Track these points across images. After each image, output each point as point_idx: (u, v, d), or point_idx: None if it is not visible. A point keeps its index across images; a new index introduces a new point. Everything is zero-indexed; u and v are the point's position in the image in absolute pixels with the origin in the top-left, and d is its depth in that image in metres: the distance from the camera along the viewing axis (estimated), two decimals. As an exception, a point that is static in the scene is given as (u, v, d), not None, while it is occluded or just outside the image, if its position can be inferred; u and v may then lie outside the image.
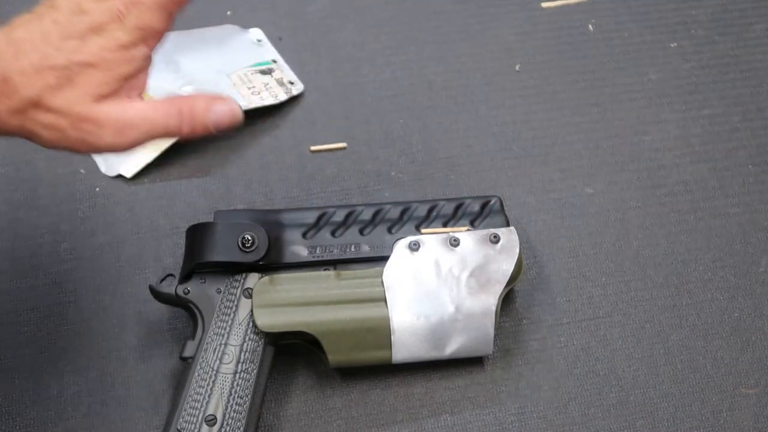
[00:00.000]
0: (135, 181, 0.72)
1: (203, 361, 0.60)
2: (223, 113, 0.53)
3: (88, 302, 0.67)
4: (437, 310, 0.62)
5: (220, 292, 0.62)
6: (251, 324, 0.61)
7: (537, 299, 0.68)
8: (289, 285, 0.62)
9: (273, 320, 0.61)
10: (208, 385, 0.59)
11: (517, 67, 0.79)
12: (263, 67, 0.78)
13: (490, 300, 0.62)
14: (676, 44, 0.81)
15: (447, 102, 0.77)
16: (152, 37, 0.52)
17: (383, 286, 0.62)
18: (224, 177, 0.73)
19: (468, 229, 0.65)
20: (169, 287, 0.62)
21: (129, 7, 0.50)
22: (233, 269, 0.63)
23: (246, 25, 0.81)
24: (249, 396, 0.60)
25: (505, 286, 0.63)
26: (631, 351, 0.66)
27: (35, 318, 0.66)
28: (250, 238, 0.62)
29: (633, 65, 0.80)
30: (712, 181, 0.73)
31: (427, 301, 0.62)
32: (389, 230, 0.65)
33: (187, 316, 0.65)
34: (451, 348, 0.63)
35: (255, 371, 0.60)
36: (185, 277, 0.62)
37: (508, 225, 0.66)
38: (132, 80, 0.52)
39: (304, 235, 0.64)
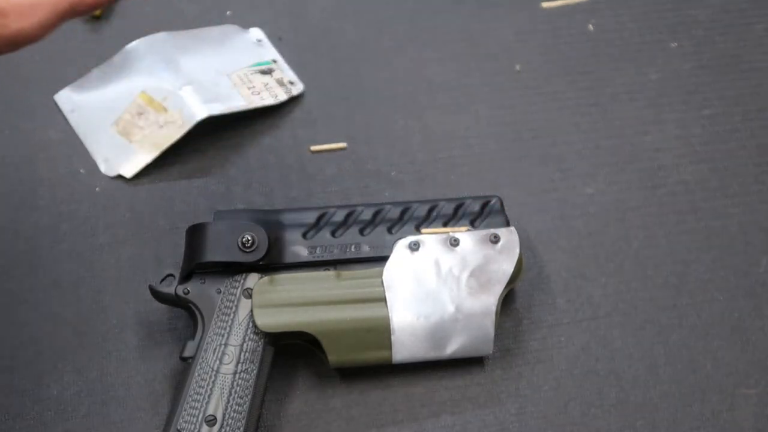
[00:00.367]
0: (135, 181, 0.72)
1: (203, 361, 0.60)
2: None
3: (88, 302, 0.67)
4: (437, 310, 0.62)
5: (220, 292, 0.62)
6: (251, 324, 0.61)
7: (537, 299, 0.68)
8: (289, 285, 0.62)
9: (273, 320, 0.61)
10: (208, 385, 0.59)
11: (517, 67, 0.79)
12: (263, 67, 0.78)
13: (490, 300, 0.62)
14: (676, 44, 0.81)
15: (447, 102, 0.77)
16: None
17: (383, 286, 0.62)
18: (224, 177, 0.73)
19: (468, 229, 0.65)
20: (169, 287, 0.62)
21: None
22: (233, 269, 0.63)
23: (246, 25, 0.81)
24: (249, 396, 0.60)
25: (505, 287, 0.63)
26: (631, 351, 0.66)
27: (35, 318, 0.66)
28: (250, 238, 0.62)
29: (633, 65, 0.80)
30: (712, 182, 0.73)
31: (428, 301, 0.62)
32: (389, 230, 0.65)
33: (187, 317, 0.65)
34: (451, 348, 0.63)
35: (255, 371, 0.60)
36: (185, 278, 0.62)
37: (508, 225, 0.66)
38: None
39: (304, 235, 0.64)
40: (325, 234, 0.64)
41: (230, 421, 0.59)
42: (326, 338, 0.61)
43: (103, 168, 0.73)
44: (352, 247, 0.64)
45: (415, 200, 0.68)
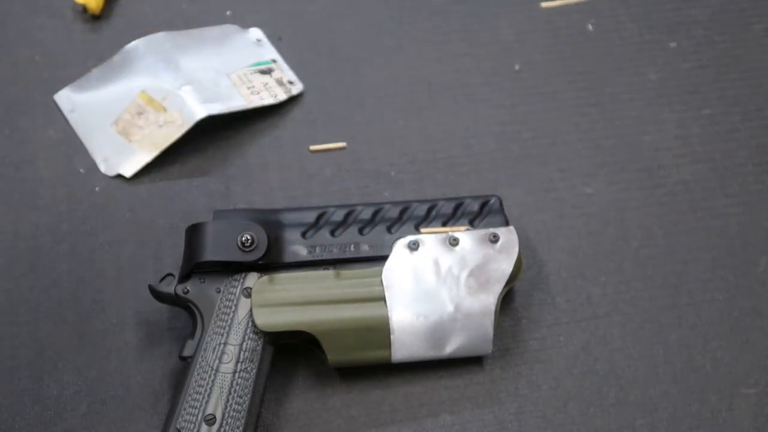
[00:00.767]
0: (135, 181, 0.72)
1: (202, 360, 0.60)
2: None
3: (88, 302, 0.67)
4: (436, 309, 0.62)
5: (220, 291, 0.62)
6: (250, 323, 0.61)
7: (536, 299, 0.68)
8: (288, 284, 0.62)
9: (272, 320, 0.61)
10: (207, 384, 0.59)
11: (516, 67, 0.79)
12: (263, 67, 0.78)
13: (490, 299, 0.63)
14: (675, 44, 0.81)
15: (447, 102, 0.77)
16: None
17: (383, 286, 0.62)
18: (224, 177, 0.73)
19: (467, 229, 0.65)
20: (169, 287, 0.62)
21: None
22: (232, 269, 0.63)
23: (246, 25, 0.81)
24: (248, 395, 0.60)
25: (505, 286, 0.63)
26: (630, 350, 0.66)
27: (35, 318, 0.66)
28: (249, 237, 0.62)
29: (632, 65, 0.80)
30: (711, 181, 0.73)
31: (427, 301, 0.62)
32: (389, 230, 0.65)
33: (187, 316, 0.65)
34: (451, 347, 0.63)
35: (254, 371, 0.60)
36: (185, 277, 0.62)
37: (507, 224, 0.66)
38: None
39: (303, 234, 0.64)
40: (325, 233, 0.64)
41: (229, 420, 0.59)
42: (326, 337, 0.61)
43: (103, 168, 0.73)
44: (352, 246, 0.64)
45: (414, 200, 0.68)
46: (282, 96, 0.76)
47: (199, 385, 0.59)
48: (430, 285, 0.63)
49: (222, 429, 0.58)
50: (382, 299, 0.62)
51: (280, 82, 0.77)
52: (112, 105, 0.75)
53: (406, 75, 0.79)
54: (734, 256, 0.70)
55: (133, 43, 0.78)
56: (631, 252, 0.70)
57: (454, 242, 0.64)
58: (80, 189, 0.72)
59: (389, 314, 0.62)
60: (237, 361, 0.60)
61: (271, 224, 0.64)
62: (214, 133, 0.75)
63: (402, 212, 0.66)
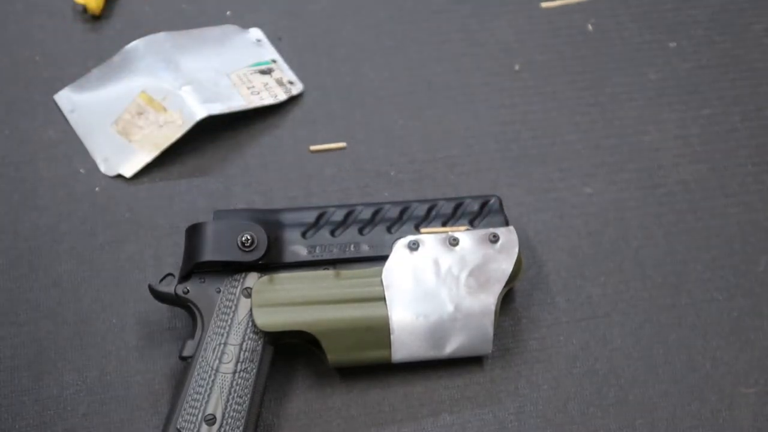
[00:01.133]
0: (135, 181, 0.72)
1: (203, 360, 0.60)
2: None
3: (88, 302, 0.67)
4: (436, 309, 0.62)
5: (220, 291, 0.62)
6: (250, 323, 0.61)
7: (536, 298, 0.68)
8: (288, 284, 0.62)
9: (272, 320, 0.61)
10: (207, 384, 0.59)
11: (516, 67, 0.80)
12: (263, 67, 0.78)
13: (490, 299, 0.63)
14: (675, 44, 0.81)
15: (446, 102, 0.77)
16: None
17: (382, 286, 0.62)
18: (224, 177, 0.73)
19: (467, 229, 0.65)
20: (169, 287, 0.62)
21: None
22: (233, 269, 0.63)
23: (246, 25, 0.81)
24: (248, 395, 0.60)
25: (505, 286, 0.63)
26: (630, 350, 0.66)
27: (35, 318, 0.66)
28: (249, 237, 0.62)
29: (632, 65, 0.80)
30: (711, 181, 0.74)
31: (427, 301, 0.62)
32: (388, 230, 0.65)
33: (187, 316, 0.65)
34: (451, 347, 0.63)
35: (254, 370, 0.60)
36: (185, 277, 0.62)
37: (507, 224, 0.66)
38: None
39: (303, 234, 0.64)
40: (325, 233, 0.64)
41: (230, 420, 0.59)
42: (325, 337, 0.61)
43: (103, 168, 0.73)
44: (352, 246, 0.64)
45: (414, 200, 0.69)
46: (282, 96, 0.76)
47: (199, 385, 0.59)
48: (430, 285, 0.63)
49: (222, 429, 0.58)
50: (382, 299, 0.62)
51: (280, 82, 0.77)
52: (112, 105, 0.75)
53: (406, 75, 0.79)
54: (734, 255, 0.70)
55: (133, 43, 0.78)
56: (630, 252, 0.70)
57: (454, 242, 0.64)
58: (80, 189, 0.72)
59: (389, 314, 0.62)
60: (237, 361, 0.60)
61: (271, 224, 0.64)
62: (214, 133, 0.75)
63: (402, 212, 0.66)
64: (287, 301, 0.62)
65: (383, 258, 0.64)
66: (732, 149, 0.75)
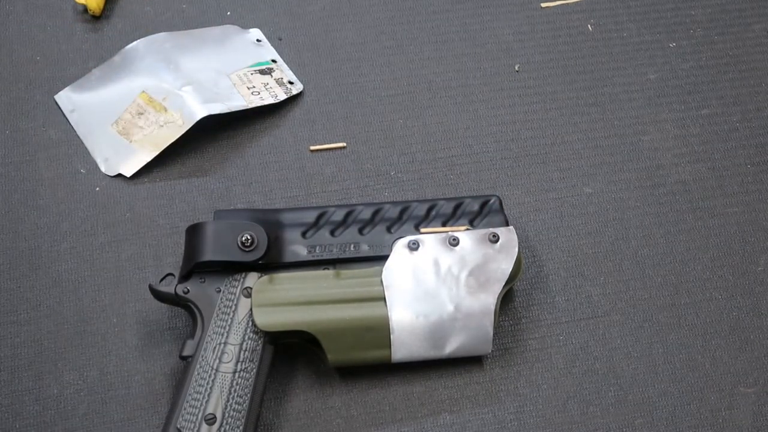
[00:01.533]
0: (135, 181, 0.72)
1: (203, 360, 0.60)
2: None
3: (88, 302, 0.67)
4: (436, 309, 0.62)
5: (220, 291, 0.62)
6: (250, 323, 0.61)
7: (536, 298, 0.68)
8: (288, 284, 0.62)
9: (272, 319, 0.61)
10: (207, 384, 0.59)
11: (516, 67, 0.80)
12: (263, 67, 0.78)
13: (489, 299, 0.63)
14: (674, 44, 0.81)
15: (446, 102, 0.77)
16: None
17: (382, 286, 0.63)
18: (224, 177, 0.73)
19: (467, 229, 0.65)
20: (169, 286, 0.62)
21: None
22: (233, 268, 0.63)
23: (246, 25, 0.81)
24: (248, 395, 0.60)
25: (504, 286, 0.63)
26: (629, 350, 0.66)
27: (35, 317, 0.66)
28: (249, 237, 0.62)
29: (632, 65, 0.80)
30: (710, 181, 0.74)
31: (427, 301, 0.62)
32: (388, 229, 0.65)
33: (187, 316, 0.65)
34: (451, 347, 0.63)
35: (254, 370, 0.60)
36: (185, 277, 0.62)
37: (507, 224, 0.66)
38: None
39: (303, 234, 0.64)
40: (325, 233, 0.64)
41: (230, 419, 0.59)
42: (325, 337, 0.61)
43: (103, 167, 0.73)
44: (352, 246, 0.64)
45: (414, 199, 0.69)
46: (282, 96, 0.76)
47: (200, 385, 0.59)
48: (430, 285, 0.63)
49: (222, 428, 0.58)
50: (382, 299, 0.62)
51: (280, 82, 0.77)
52: (113, 105, 0.75)
53: (406, 75, 0.79)
54: (733, 255, 0.70)
55: (134, 43, 0.78)
56: (630, 251, 0.70)
57: (454, 242, 0.64)
58: (80, 189, 0.72)
59: (389, 314, 0.62)
60: (237, 361, 0.60)
61: (271, 224, 0.64)
62: (214, 133, 0.75)
63: (402, 212, 0.66)
64: (287, 301, 0.62)
65: (383, 258, 0.64)
66: (731, 149, 0.75)
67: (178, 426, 0.58)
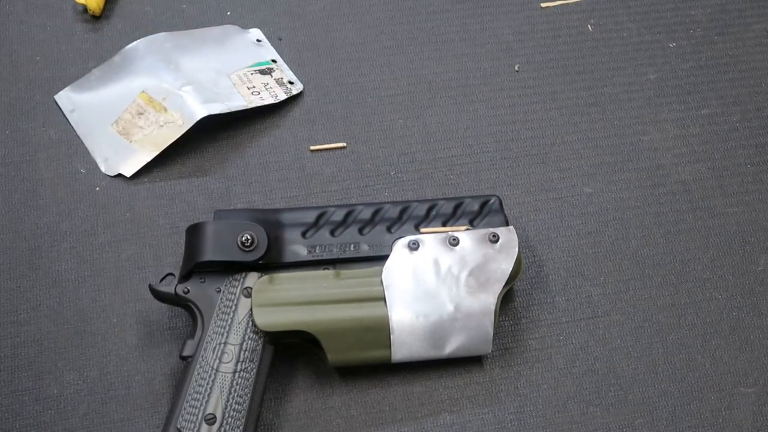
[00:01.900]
0: (135, 181, 0.72)
1: (203, 360, 0.60)
2: None
3: (88, 302, 0.67)
4: (436, 309, 0.62)
5: (220, 291, 0.62)
6: (251, 323, 0.61)
7: (536, 298, 0.68)
8: (288, 284, 0.62)
9: (272, 319, 0.61)
10: (207, 384, 0.59)
11: (516, 67, 0.80)
12: (263, 67, 0.78)
13: (489, 299, 0.63)
14: (674, 44, 0.81)
15: (446, 102, 0.77)
16: None
17: (382, 286, 0.63)
18: (224, 177, 0.73)
19: (467, 229, 0.65)
20: (169, 286, 0.62)
21: None
22: (233, 268, 0.63)
23: (246, 25, 0.81)
24: (248, 395, 0.60)
25: (504, 286, 0.63)
26: (629, 350, 0.66)
27: (35, 317, 0.66)
28: (249, 237, 0.62)
29: (632, 65, 0.80)
30: (710, 181, 0.74)
31: (427, 301, 0.62)
32: (388, 229, 0.65)
33: (187, 316, 0.65)
34: (451, 347, 0.63)
35: (254, 370, 0.60)
36: (185, 277, 0.62)
37: (507, 224, 0.66)
38: None
39: (303, 234, 0.64)
40: (325, 233, 0.64)
41: (230, 419, 0.59)
42: (326, 337, 0.61)
43: (103, 167, 0.73)
44: (352, 246, 0.64)
45: (414, 199, 0.69)
46: (282, 96, 0.76)
47: (200, 385, 0.59)
48: (430, 285, 0.63)
49: (222, 428, 0.58)
50: (382, 299, 0.62)
51: (280, 82, 0.77)
52: (113, 105, 0.75)
53: (406, 75, 0.79)
54: (733, 255, 0.70)
55: (134, 43, 0.78)
56: (630, 251, 0.70)
57: (454, 242, 0.64)
58: (80, 189, 0.72)
59: (389, 314, 0.62)
60: (237, 361, 0.60)
61: (271, 224, 0.64)
62: (214, 133, 0.75)
63: (402, 212, 0.66)
64: (287, 300, 0.62)
65: (383, 258, 0.64)
66: (731, 149, 0.75)
67: (178, 426, 0.58)
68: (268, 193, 0.72)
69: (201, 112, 0.73)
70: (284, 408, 0.63)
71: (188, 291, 0.62)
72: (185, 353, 0.61)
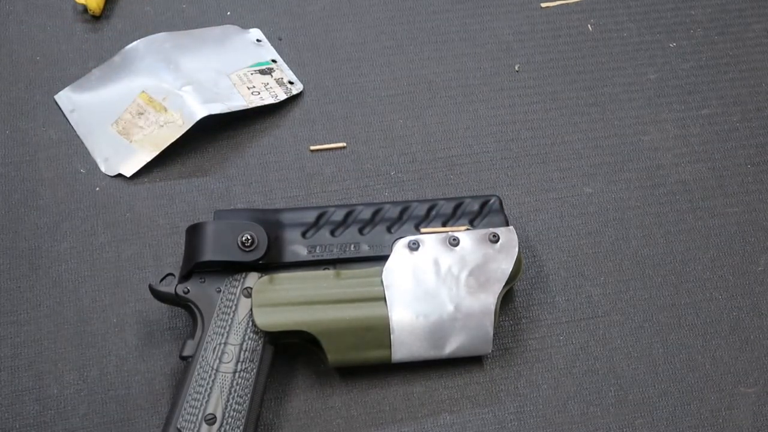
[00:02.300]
0: (135, 181, 0.72)
1: (203, 360, 0.60)
2: None
3: (88, 302, 0.67)
4: (436, 309, 0.62)
5: (220, 291, 0.62)
6: (251, 323, 0.61)
7: (536, 298, 0.68)
8: (288, 284, 0.62)
9: (272, 319, 0.61)
10: (207, 384, 0.59)
11: (516, 67, 0.80)
12: (263, 67, 0.78)
13: (489, 299, 0.63)
14: (674, 44, 0.81)
15: (446, 102, 0.77)
16: None
17: (383, 286, 0.63)
18: (224, 177, 0.73)
19: (467, 229, 0.65)
20: (169, 287, 0.62)
21: None
22: (233, 268, 0.63)
23: (246, 25, 0.81)
24: (248, 395, 0.60)
25: (504, 286, 0.63)
26: (630, 350, 0.66)
27: (35, 317, 0.66)
28: (249, 237, 0.62)
29: (632, 65, 0.80)
30: (710, 181, 0.74)
31: (427, 301, 0.62)
32: (389, 229, 0.65)
33: (187, 316, 0.65)
34: (451, 347, 0.63)
35: (254, 370, 0.60)
36: (185, 277, 0.62)
37: (507, 224, 0.66)
38: None
39: (303, 234, 0.64)
40: (325, 233, 0.64)
41: (230, 419, 0.59)
42: (326, 337, 0.61)
43: (103, 167, 0.73)
44: (352, 246, 0.64)
45: (414, 199, 0.69)
46: (282, 96, 0.76)
47: (200, 385, 0.59)
48: (430, 285, 0.63)
49: (222, 428, 0.58)
50: (382, 299, 0.62)
51: (280, 82, 0.77)
52: (113, 105, 0.75)
53: (406, 75, 0.79)
54: (733, 255, 0.70)
55: (134, 43, 0.78)
56: (630, 251, 0.70)
57: (454, 242, 0.64)
58: (80, 189, 0.72)
59: (389, 314, 0.62)
60: (237, 361, 0.60)
61: (271, 224, 0.64)
62: (214, 133, 0.75)
63: (402, 212, 0.66)
64: (287, 301, 0.62)
65: (383, 258, 0.64)
66: (731, 149, 0.75)
67: (178, 426, 0.58)
68: (268, 193, 0.72)
69: (201, 112, 0.73)
70: (284, 408, 0.63)
71: (188, 291, 0.62)
72: (185, 353, 0.61)
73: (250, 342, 0.61)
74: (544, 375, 0.65)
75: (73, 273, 0.68)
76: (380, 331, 0.62)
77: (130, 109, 0.75)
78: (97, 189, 0.72)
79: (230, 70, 0.77)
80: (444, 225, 0.65)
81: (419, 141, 0.75)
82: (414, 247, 0.64)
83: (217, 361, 0.60)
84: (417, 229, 0.65)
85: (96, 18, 0.81)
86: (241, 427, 0.59)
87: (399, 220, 0.65)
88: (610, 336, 0.67)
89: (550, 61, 0.80)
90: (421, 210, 0.66)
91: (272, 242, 0.63)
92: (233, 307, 0.62)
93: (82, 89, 0.76)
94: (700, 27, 0.82)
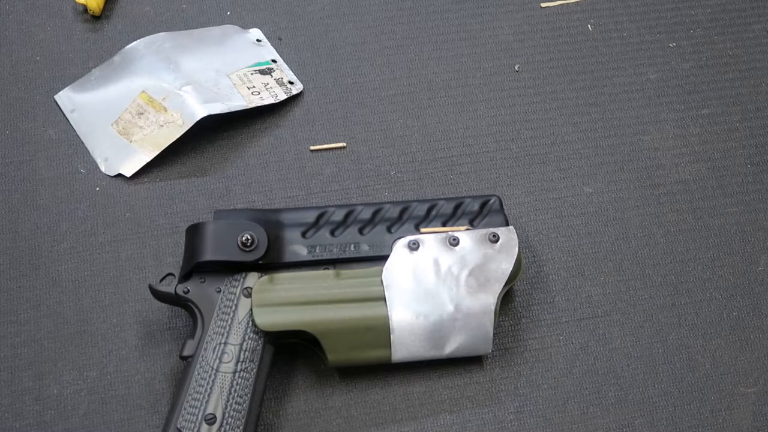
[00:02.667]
0: (135, 181, 0.72)
1: (203, 360, 0.60)
2: None
3: (88, 302, 0.67)
4: (436, 309, 0.62)
5: (220, 291, 0.62)
6: (251, 323, 0.61)
7: (536, 298, 0.68)
8: (288, 284, 0.62)
9: (272, 319, 0.61)
10: (207, 384, 0.59)
11: (516, 67, 0.80)
12: (263, 67, 0.78)
13: (489, 299, 0.63)
14: (674, 44, 0.81)
15: (446, 102, 0.77)
16: None
17: (382, 286, 0.63)
18: (224, 177, 0.73)
19: (467, 229, 0.65)
20: (169, 286, 0.62)
21: None
22: (233, 268, 0.63)
23: (246, 25, 0.81)
24: (248, 395, 0.60)
25: (504, 285, 0.63)
26: (629, 350, 0.66)
27: (35, 317, 0.66)
28: (249, 237, 0.62)
29: (632, 65, 0.80)
30: (710, 181, 0.74)
31: (427, 301, 0.62)
32: (389, 229, 0.65)
33: (187, 316, 0.65)
34: (451, 347, 0.63)
35: (254, 370, 0.60)
36: (185, 277, 0.62)
37: (507, 224, 0.66)
38: None
39: (303, 234, 0.64)
40: (325, 233, 0.64)
41: (230, 419, 0.59)
42: (326, 337, 0.61)
43: (103, 167, 0.73)
44: (352, 246, 0.64)
45: (414, 199, 0.69)
46: (282, 96, 0.76)
47: (200, 385, 0.59)
48: (430, 285, 0.63)
49: (222, 428, 0.58)
50: (382, 299, 0.62)
51: (280, 82, 0.77)
52: (113, 105, 0.75)
53: (406, 75, 0.79)
54: (733, 255, 0.70)
55: (134, 43, 0.78)
56: (630, 251, 0.70)
57: (454, 242, 0.64)
58: (80, 189, 0.72)
59: (389, 314, 0.62)
60: (237, 361, 0.60)
61: (271, 224, 0.64)
62: (214, 133, 0.75)
63: (402, 212, 0.66)
64: (287, 301, 0.62)
65: (383, 258, 0.64)
66: (731, 149, 0.75)
67: (178, 426, 0.58)
68: (268, 193, 0.72)
69: (201, 112, 0.73)
70: (284, 408, 0.63)
71: (188, 291, 0.62)
72: (185, 353, 0.61)
73: (250, 342, 0.61)
74: (544, 375, 0.65)
75: (73, 273, 0.68)
76: (380, 331, 0.62)
77: (130, 109, 0.75)
78: (97, 189, 0.72)
79: (230, 70, 0.77)
80: (444, 225, 0.65)
81: (419, 141, 0.75)
82: (414, 247, 0.64)
83: (217, 361, 0.60)
84: (417, 229, 0.65)
85: (96, 18, 0.81)
86: (241, 427, 0.59)
87: (399, 220, 0.65)
88: (610, 336, 0.67)
89: (550, 61, 0.80)
90: (421, 210, 0.66)
91: (272, 242, 0.63)
92: (233, 307, 0.62)
93: (82, 89, 0.76)
94: (700, 27, 0.82)
